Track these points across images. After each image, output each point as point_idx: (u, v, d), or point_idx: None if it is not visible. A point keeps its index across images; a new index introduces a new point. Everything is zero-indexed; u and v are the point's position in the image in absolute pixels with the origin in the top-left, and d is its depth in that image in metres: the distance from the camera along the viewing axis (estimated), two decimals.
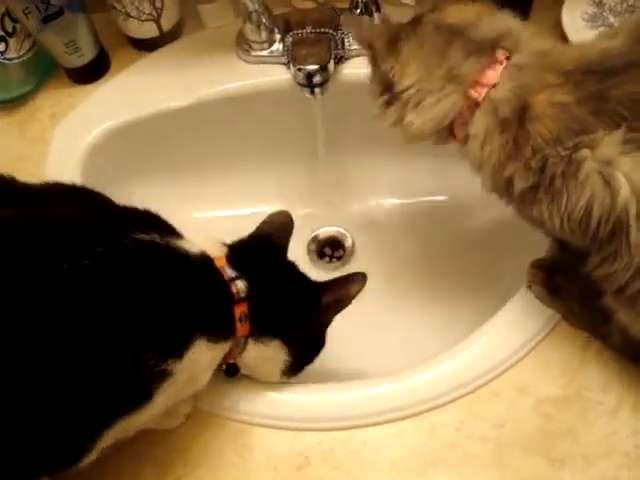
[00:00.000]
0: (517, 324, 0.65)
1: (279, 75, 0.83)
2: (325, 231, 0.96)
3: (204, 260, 0.56)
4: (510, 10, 0.60)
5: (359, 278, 0.64)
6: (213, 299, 0.55)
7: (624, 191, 0.48)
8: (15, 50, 0.82)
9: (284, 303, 0.61)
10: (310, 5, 0.85)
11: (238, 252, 0.60)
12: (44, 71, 0.88)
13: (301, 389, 0.65)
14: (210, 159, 0.92)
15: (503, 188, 0.57)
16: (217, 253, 0.58)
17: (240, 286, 0.56)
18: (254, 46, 0.84)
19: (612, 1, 0.82)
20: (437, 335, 0.76)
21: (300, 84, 0.80)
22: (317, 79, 0.79)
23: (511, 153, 0.54)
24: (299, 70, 0.79)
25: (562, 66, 0.53)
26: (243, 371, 0.64)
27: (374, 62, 0.62)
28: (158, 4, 0.84)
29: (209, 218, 0.95)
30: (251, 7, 0.80)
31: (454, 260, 0.87)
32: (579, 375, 0.62)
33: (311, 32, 0.81)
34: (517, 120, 0.53)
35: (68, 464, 0.49)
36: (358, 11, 0.82)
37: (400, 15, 0.81)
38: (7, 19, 0.80)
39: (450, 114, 0.58)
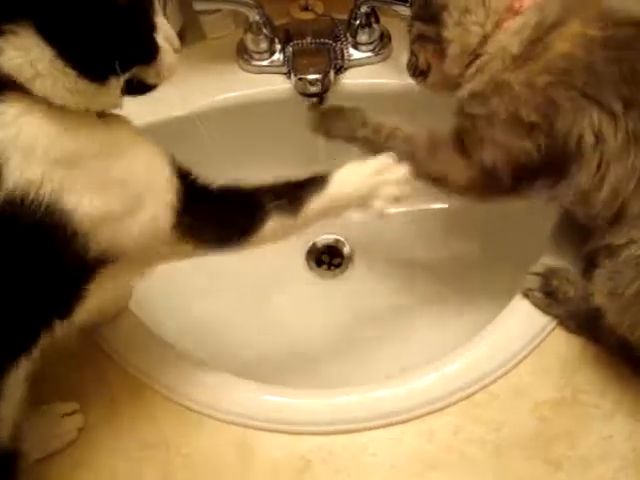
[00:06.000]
0: (514, 329, 0.66)
1: (280, 85, 0.85)
2: (323, 239, 0.96)
3: None
4: None
5: None
6: None
7: None
8: None
9: None
10: (310, 16, 0.87)
11: None
12: None
13: (302, 393, 0.66)
14: (210, 168, 0.91)
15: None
16: None
17: None
18: (255, 56, 0.85)
19: None
20: (435, 340, 0.77)
21: (300, 93, 0.81)
22: (317, 88, 0.80)
23: (527, 55, 0.56)
24: (300, 79, 0.80)
25: (606, 8, 0.55)
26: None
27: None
28: None
29: None
30: (252, 18, 0.81)
31: (452, 267, 0.88)
32: (576, 379, 0.63)
33: (311, 42, 0.83)
34: (548, 28, 0.55)
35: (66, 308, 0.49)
36: (357, 22, 0.83)
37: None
38: None
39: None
